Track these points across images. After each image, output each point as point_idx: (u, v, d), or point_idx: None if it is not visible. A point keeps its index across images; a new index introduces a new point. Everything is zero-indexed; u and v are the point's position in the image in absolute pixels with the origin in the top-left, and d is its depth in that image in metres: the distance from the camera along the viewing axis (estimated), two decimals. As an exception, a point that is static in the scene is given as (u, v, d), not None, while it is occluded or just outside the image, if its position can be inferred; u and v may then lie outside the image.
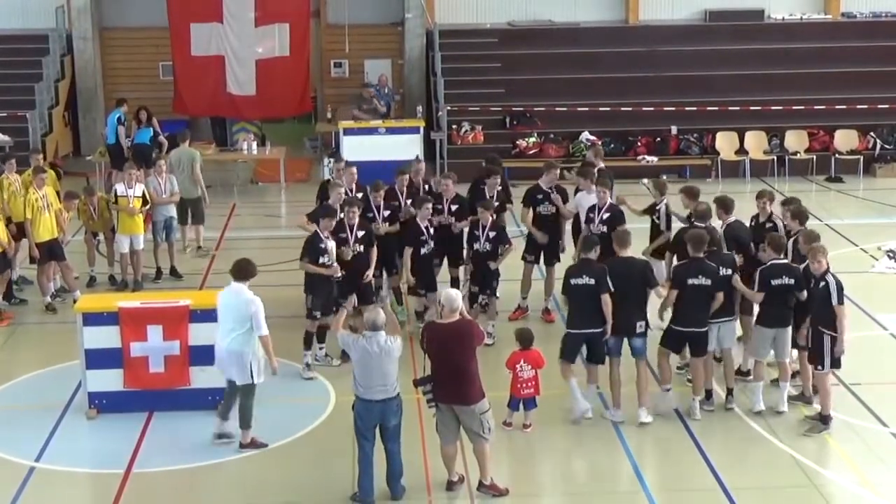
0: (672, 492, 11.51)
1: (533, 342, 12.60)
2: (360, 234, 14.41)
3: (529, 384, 12.49)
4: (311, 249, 13.92)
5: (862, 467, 11.83)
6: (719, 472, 11.70)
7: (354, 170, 16.17)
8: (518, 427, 12.56)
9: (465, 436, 11.15)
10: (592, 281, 12.40)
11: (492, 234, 14.94)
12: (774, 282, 12.63)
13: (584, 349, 12.84)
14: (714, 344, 12.98)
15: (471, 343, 10.89)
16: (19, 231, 16.60)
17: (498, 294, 16.03)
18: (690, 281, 12.55)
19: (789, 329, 12.82)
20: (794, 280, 12.64)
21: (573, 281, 12.50)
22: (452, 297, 11.00)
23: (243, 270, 12.09)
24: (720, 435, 12.50)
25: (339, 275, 14.00)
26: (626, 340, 12.70)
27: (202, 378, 12.94)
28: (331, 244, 13.94)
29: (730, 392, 13.04)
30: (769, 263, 12.77)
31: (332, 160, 23.45)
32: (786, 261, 12.88)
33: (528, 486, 11.66)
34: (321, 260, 13.85)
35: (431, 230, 15.08)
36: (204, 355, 12.84)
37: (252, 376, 11.92)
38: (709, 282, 12.57)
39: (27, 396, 13.81)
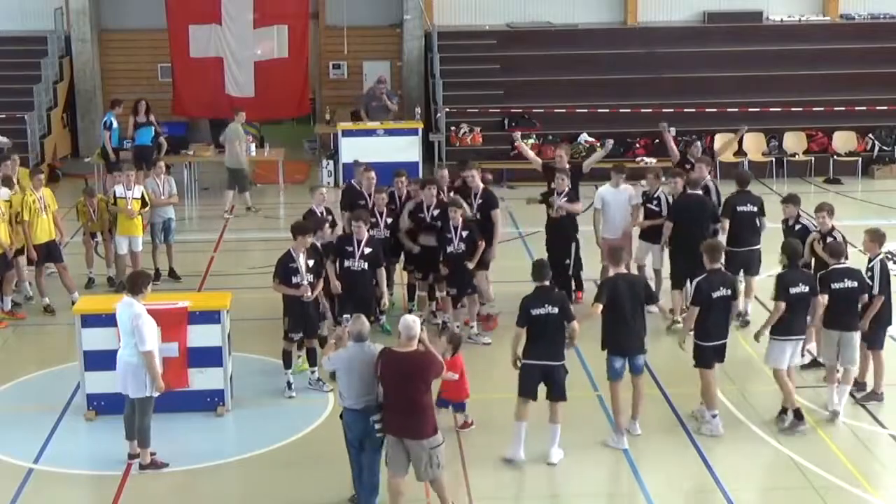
0: (671, 493, 11.51)
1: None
2: (367, 251, 13.96)
3: (467, 383, 12.51)
4: (282, 269, 13.40)
5: (861, 469, 11.82)
6: (718, 473, 11.70)
7: (373, 173, 15.84)
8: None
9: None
10: (556, 310, 11.72)
11: (464, 234, 14.86)
12: (835, 285, 12.58)
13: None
14: (787, 362, 12.65)
15: (427, 376, 10.30)
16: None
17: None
18: (715, 294, 12.25)
19: (855, 335, 12.74)
20: (857, 282, 12.62)
21: (534, 311, 11.69)
22: (409, 324, 10.31)
23: (135, 284, 11.90)
24: (719, 437, 12.48)
25: (309, 296, 13.41)
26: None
27: (201, 380, 12.95)
28: (303, 262, 13.33)
29: (784, 411, 12.75)
30: (830, 268, 12.77)
31: (330, 161, 23.64)
32: (846, 264, 12.84)
33: (527, 487, 11.65)
34: (293, 280, 13.38)
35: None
36: (203, 357, 12.86)
37: (147, 388, 11.69)
38: (729, 292, 12.36)
39: (26, 398, 13.81)
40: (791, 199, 14.63)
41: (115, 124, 22.90)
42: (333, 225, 14.94)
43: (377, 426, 10.48)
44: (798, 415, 12.52)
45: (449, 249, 14.87)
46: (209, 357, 12.85)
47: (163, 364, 12.78)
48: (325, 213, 15.00)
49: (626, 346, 12.15)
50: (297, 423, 12.79)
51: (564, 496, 11.61)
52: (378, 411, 10.49)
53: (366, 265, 13.94)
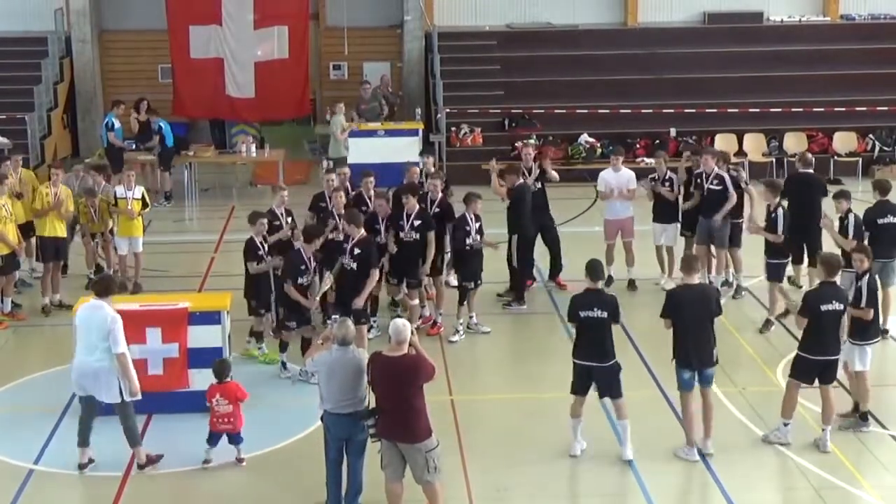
0: (671, 493, 11.51)
1: (229, 374, 11.96)
2: (357, 251, 13.97)
3: (226, 419, 11.81)
4: (292, 269, 13.75)
5: (862, 470, 11.83)
6: (719, 475, 11.70)
7: (333, 176, 16.11)
8: (230, 464, 11.97)
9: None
10: (604, 314, 11.71)
11: (478, 226, 15.37)
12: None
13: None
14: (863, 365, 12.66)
15: (417, 380, 10.30)
16: (23, 232, 16.67)
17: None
18: (824, 307, 11.91)
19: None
20: None
21: (583, 314, 11.74)
22: (399, 328, 10.32)
23: (105, 287, 11.92)
24: (720, 438, 12.41)
25: (316, 307, 13.98)
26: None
27: (201, 380, 12.93)
28: (313, 265, 13.90)
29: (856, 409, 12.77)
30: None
31: (330, 163, 23.66)
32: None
33: (526, 487, 11.64)
34: (300, 280, 13.72)
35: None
36: (203, 358, 12.84)
37: (121, 394, 11.68)
38: (841, 306, 12.08)
39: (26, 399, 13.82)
40: (842, 195, 14.90)
41: (116, 125, 22.97)
42: (294, 227, 15.18)
43: (371, 430, 10.46)
44: (864, 415, 12.65)
45: (467, 242, 15.20)
46: (209, 358, 12.83)
47: (163, 364, 12.88)
48: (283, 214, 15.26)
49: (691, 358, 11.85)
50: (296, 424, 12.76)
51: (564, 495, 11.61)
52: (365, 416, 10.49)
53: (355, 265, 13.93)
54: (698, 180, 16.73)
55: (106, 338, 11.57)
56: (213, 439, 11.92)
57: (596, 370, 11.82)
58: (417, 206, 15.16)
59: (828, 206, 15.79)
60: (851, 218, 14.62)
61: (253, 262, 14.48)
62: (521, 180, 16.52)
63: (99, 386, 11.72)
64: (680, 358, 11.91)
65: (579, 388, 11.95)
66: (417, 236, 15.07)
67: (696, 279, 12.09)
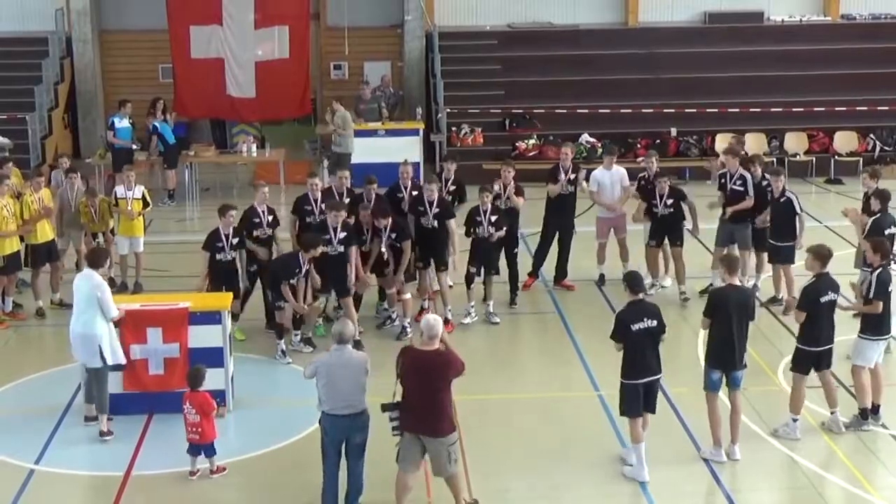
0: (671, 492, 11.49)
1: (202, 383, 11.65)
2: (342, 235, 14.61)
3: (194, 429, 11.56)
4: (286, 270, 14.40)
5: (862, 469, 11.83)
6: (718, 473, 11.70)
7: (317, 180, 16.19)
8: (205, 475, 11.70)
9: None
10: (654, 322, 11.49)
11: (493, 218, 15.60)
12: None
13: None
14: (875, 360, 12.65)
15: (447, 375, 10.40)
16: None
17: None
18: (822, 299, 12.06)
19: None
20: None
21: (634, 327, 11.39)
22: (432, 323, 10.42)
23: (97, 258, 12.71)
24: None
25: (305, 309, 14.57)
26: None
27: (202, 380, 12.96)
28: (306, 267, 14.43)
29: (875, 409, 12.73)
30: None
31: (328, 161, 23.69)
32: None
33: (527, 487, 11.62)
34: (291, 281, 14.32)
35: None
36: (204, 358, 12.83)
37: (102, 358, 12.28)
38: (835, 296, 12.19)
39: (27, 399, 13.82)
40: (880, 196, 14.82)
41: (118, 124, 22.98)
42: (276, 224, 15.56)
43: (394, 423, 10.50)
44: (864, 414, 12.55)
45: (478, 232, 15.62)
46: (210, 357, 12.83)
47: (164, 364, 12.89)
48: (265, 213, 15.43)
49: (726, 360, 11.79)
50: (298, 423, 12.73)
51: (564, 495, 11.57)
52: (390, 409, 10.52)
53: (342, 248, 14.63)
54: (722, 180, 16.76)
55: (90, 303, 12.20)
56: (191, 450, 11.72)
57: (655, 384, 11.65)
58: (390, 220, 15.17)
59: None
60: (873, 220, 14.50)
61: (209, 252, 14.78)
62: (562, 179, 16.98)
63: (83, 350, 12.34)
64: (712, 359, 11.88)
65: (635, 410, 11.59)
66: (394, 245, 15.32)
67: (738, 280, 12.12)
